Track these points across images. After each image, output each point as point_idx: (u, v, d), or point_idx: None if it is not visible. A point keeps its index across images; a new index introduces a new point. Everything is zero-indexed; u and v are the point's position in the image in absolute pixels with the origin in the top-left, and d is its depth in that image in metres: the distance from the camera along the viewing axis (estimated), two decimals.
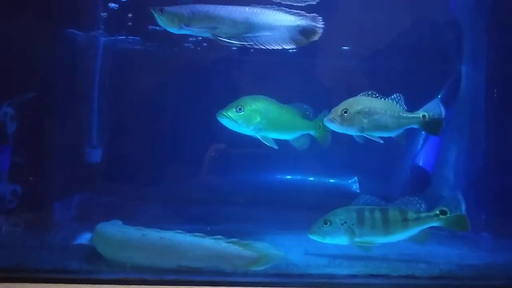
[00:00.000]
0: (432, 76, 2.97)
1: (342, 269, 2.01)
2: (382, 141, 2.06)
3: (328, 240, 2.08)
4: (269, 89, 2.17)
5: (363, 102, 2.03)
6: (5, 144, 2.34)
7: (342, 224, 2.06)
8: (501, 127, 2.73)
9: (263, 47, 2.03)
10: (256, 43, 2.02)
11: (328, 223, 2.06)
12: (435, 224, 2.08)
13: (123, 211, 2.28)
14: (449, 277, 1.98)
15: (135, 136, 2.89)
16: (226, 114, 2.03)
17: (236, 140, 2.56)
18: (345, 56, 2.96)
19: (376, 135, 2.05)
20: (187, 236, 1.96)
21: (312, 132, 2.20)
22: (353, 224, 2.05)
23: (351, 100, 2.05)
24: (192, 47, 2.85)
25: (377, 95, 2.07)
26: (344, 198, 2.24)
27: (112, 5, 2.69)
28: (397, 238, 2.10)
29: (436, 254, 2.27)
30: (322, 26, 2.08)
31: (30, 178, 2.42)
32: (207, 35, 2.02)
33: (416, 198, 2.11)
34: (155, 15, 1.99)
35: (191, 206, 2.72)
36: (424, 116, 2.09)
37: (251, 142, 2.13)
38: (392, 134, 2.10)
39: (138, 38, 2.82)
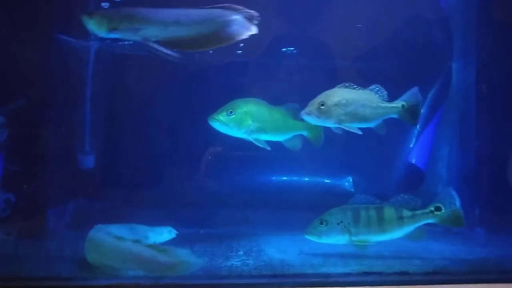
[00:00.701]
0: (423, 73, 2.99)
1: (337, 268, 2.02)
2: (361, 132, 2.05)
3: (324, 240, 2.08)
4: (259, 91, 2.17)
5: (340, 94, 2.02)
6: None
7: (338, 224, 2.06)
8: (493, 123, 2.75)
9: (199, 50, 1.99)
10: (189, 45, 1.97)
11: (324, 223, 2.06)
12: (430, 221, 2.08)
13: (117, 216, 2.28)
14: (443, 273, 1.99)
15: (129, 141, 2.89)
16: (217, 118, 2.02)
17: (230, 143, 2.57)
18: (337, 56, 2.98)
19: (354, 126, 2.04)
20: (108, 236, 1.98)
21: (304, 133, 2.20)
22: (349, 223, 2.06)
23: (328, 92, 2.03)
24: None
25: (354, 86, 2.06)
26: (338, 198, 2.24)
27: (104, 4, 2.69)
28: (393, 236, 2.10)
29: (430, 250, 2.29)
30: (258, 19, 2.00)
31: (23, 186, 2.42)
32: (137, 38, 1.96)
33: (411, 196, 2.11)
34: (84, 20, 1.93)
35: (187, 209, 2.72)
36: (403, 105, 2.09)
37: (245, 144, 2.13)
38: (371, 125, 2.09)
39: (129, 42, 2.83)
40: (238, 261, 2.08)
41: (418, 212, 2.08)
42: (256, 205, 2.79)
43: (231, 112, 2.03)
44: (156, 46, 1.95)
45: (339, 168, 3.08)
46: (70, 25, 2.70)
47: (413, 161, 2.98)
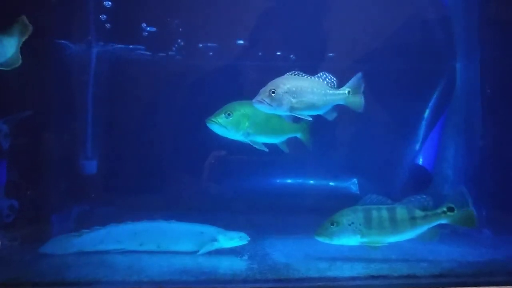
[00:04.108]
0: (427, 75, 2.97)
1: (343, 272, 2.00)
2: (311, 119, 2.03)
3: (335, 241, 2.05)
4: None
5: (290, 81, 1.99)
6: (0, 160, 2.35)
7: (350, 225, 2.03)
8: (498, 123, 2.73)
9: None
10: None
11: (335, 224, 2.04)
12: (443, 221, 2.05)
13: (121, 221, 2.27)
14: (450, 275, 1.97)
15: (131, 146, 2.89)
16: (215, 120, 2.03)
17: (234, 147, 2.56)
18: (336, 58, 2.97)
19: (305, 114, 2.02)
20: None
21: (298, 135, 2.22)
22: (360, 224, 2.03)
23: (277, 80, 2.00)
24: (186, 55, 2.87)
25: (303, 74, 2.04)
26: (344, 200, 2.22)
27: (102, 16, 2.70)
28: (405, 237, 2.07)
29: (437, 252, 2.26)
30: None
31: (27, 193, 2.42)
32: None
33: (424, 196, 2.08)
34: None
35: (191, 214, 2.71)
36: (348, 92, 2.08)
37: (249, 148, 2.12)
38: (320, 112, 2.08)
39: (129, 46, 2.84)
40: (243, 265, 2.07)
41: (430, 212, 2.05)
42: (262, 209, 2.78)
43: (228, 115, 2.04)
44: None
45: (344, 170, 3.06)
46: (70, 30, 2.72)
47: (420, 162, 2.97)
